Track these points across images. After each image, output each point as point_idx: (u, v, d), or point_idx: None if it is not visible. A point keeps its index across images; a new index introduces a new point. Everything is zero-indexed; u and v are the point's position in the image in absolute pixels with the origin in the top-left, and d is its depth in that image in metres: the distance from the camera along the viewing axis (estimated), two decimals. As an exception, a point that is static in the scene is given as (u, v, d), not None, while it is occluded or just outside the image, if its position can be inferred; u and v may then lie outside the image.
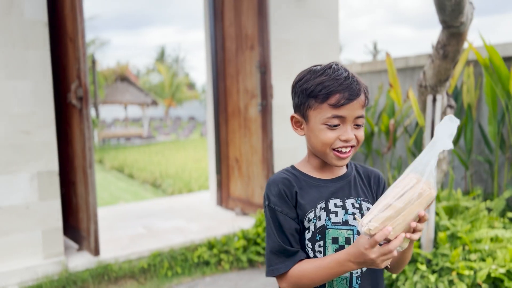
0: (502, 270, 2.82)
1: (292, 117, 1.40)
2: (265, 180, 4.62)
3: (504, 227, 3.44)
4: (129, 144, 20.27)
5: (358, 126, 1.32)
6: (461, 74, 4.45)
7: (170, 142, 19.74)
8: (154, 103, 24.85)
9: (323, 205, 1.35)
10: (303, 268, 1.31)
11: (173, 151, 15.05)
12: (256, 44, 4.66)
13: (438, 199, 3.79)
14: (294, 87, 1.37)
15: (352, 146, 1.32)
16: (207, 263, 4.09)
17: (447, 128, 1.16)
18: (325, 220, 1.34)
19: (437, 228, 3.31)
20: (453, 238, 3.23)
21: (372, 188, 1.47)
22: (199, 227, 4.67)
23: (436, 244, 3.23)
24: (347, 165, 1.47)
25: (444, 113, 3.63)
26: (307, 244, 1.35)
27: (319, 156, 1.36)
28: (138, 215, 5.56)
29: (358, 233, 1.34)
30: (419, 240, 3.26)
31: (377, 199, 1.44)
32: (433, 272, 3.04)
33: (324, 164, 1.40)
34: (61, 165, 4.12)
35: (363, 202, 1.40)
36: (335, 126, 1.29)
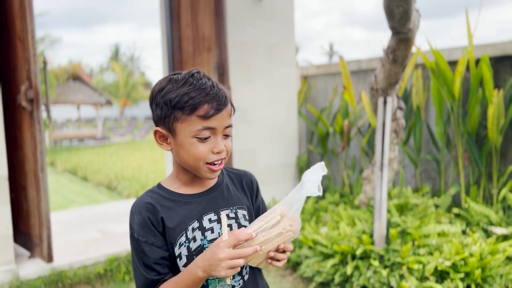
0: (448, 263, 2.99)
1: (155, 132, 1.31)
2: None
3: (450, 222, 3.64)
4: (82, 145, 19.82)
5: (226, 136, 1.29)
6: (411, 77, 4.65)
7: (125, 143, 19.43)
8: (109, 103, 24.39)
9: (195, 224, 1.29)
10: None
11: (128, 152, 14.82)
12: (213, 45, 4.68)
13: (390, 196, 3.96)
14: (155, 98, 1.28)
15: (223, 159, 1.29)
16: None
17: (315, 175, 1.20)
18: (201, 239, 1.28)
19: (389, 225, 3.46)
20: (404, 234, 3.38)
21: (246, 191, 1.43)
22: (157, 229, 4.66)
23: (388, 240, 3.38)
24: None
25: (394, 115, 3.80)
26: None
27: (191, 170, 1.30)
28: (93, 219, 5.47)
29: None
30: (371, 236, 3.41)
31: (252, 202, 1.43)
32: (385, 267, 3.18)
33: (195, 178, 1.34)
34: (11, 169, 4.03)
35: (238, 210, 1.36)
36: (206, 138, 1.25)
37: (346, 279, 3.25)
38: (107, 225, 5.11)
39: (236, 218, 1.34)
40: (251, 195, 1.44)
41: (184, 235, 1.27)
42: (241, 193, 1.42)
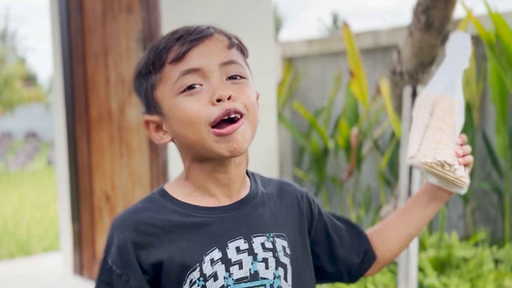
0: None
1: (146, 123, 1.44)
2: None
3: (519, 287, 3.80)
4: None
5: (235, 79, 1.38)
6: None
7: (-11, 176, 19.24)
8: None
9: (216, 254, 1.37)
10: None
11: None
12: (136, 3, 4.75)
13: (423, 246, 4.10)
14: (136, 80, 1.45)
15: (239, 114, 1.35)
16: None
17: (460, 47, 1.52)
18: (225, 278, 1.36)
19: (421, 290, 3.61)
20: (445, 304, 3.54)
21: (294, 211, 1.55)
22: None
23: (419, 314, 3.52)
24: (250, 178, 1.55)
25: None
26: None
27: (200, 152, 1.37)
28: None
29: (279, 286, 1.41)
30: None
31: (307, 225, 1.57)
32: None
33: (213, 179, 1.42)
34: None
35: (277, 240, 1.45)
36: (193, 87, 1.33)
37: None
38: None
39: (274, 249, 1.44)
40: (306, 217, 1.58)
41: (198, 269, 1.35)
42: (282, 212, 1.53)
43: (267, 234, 1.44)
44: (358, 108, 5.37)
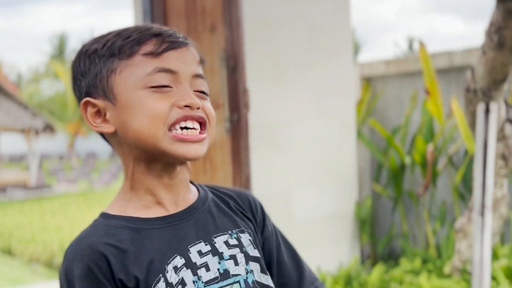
0: None
1: (84, 106, 1.37)
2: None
3: None
4: (5, 198, 20.08)
5: (202, 93, 1.37)
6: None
7: (77, 195, 19.50)
8: (49, 129, 24.61)
9: (179, 261, 1.34)
10: None
11: (82, 209, 14.83)
12: (220, 23, 4.80)
13: (495, 256, 4.19)
14: (75, 64, 1.40)
15: (202, 123, 1.34)
16: None
17: None
18: (194, 282, 1.33)
19: (494, 297, 3.72)
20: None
21: (247, 215, 1.52)
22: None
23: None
24: (196, 187, 1.51)
25: (502, 131, 4.04)
26: None
27: (150, 150, 1.33)
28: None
29: (247, 284, 1.39)
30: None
31: (259, 232, 1.53)
32: None
33: (159, 183, 1.38)
34: None
35: (241, 235, 1.44)
36: (165, 87, 1.32)
37: None
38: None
39: (240, 245, 1.42)
40: (254, 221, 1.53)
41: (163, 279, 1.31)
42: (240, 216, 1.51)
43: (229, 232, 1.43)
44: (433, 125, 5.48)
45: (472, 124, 4.03)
